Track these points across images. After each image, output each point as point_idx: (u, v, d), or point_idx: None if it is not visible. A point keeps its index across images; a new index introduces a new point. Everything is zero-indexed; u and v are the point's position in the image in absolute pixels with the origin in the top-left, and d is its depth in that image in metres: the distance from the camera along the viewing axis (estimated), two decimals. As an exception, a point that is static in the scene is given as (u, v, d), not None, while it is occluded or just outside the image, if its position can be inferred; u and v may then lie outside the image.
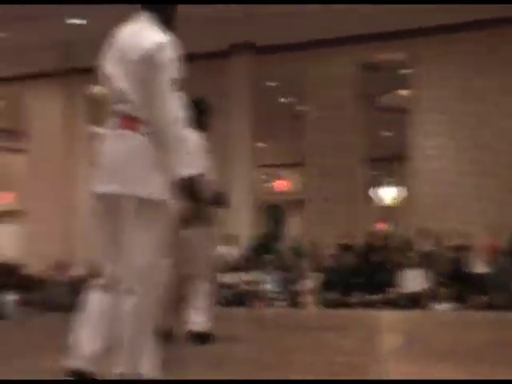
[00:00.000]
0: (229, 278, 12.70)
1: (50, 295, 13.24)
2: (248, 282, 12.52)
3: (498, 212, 14.34)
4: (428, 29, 15.03)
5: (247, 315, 9.83)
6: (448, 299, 10.81)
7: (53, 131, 19.07)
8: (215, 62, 16.60)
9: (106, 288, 3.21)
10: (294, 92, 17.69)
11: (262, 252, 13.82)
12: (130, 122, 3.15)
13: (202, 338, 5.39)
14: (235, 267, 13.26)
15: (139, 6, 3.33)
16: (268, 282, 12.36)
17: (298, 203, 17.54)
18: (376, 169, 25.80)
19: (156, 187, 3.14)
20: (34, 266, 16.52)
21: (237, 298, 12.11)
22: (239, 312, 10.31)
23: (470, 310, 9.78)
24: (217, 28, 15.12)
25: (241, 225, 16.04)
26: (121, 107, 3.17)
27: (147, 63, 3.11)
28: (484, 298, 10.17)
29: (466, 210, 14.56)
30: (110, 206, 3.17)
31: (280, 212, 18.47)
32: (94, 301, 3.22)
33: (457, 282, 11.03)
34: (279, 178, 24.57)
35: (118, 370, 3.05)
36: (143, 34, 3.19)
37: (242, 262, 13.36)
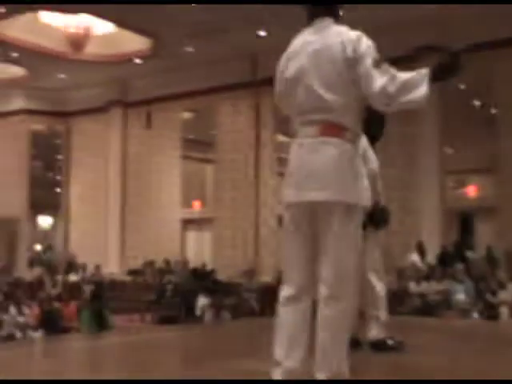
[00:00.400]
0: (419, 286, 12.46)
1: (241, 300, 13.74)
2: (438, 292, 12.20)
3: None
4: None
5: (437, 325, 9.53)
6: None
7: (240, 141, 19.81)
8: (401, 66, 16.37)
9: (296, 299, 3.22)
10: (487, 94, 16.97)
11: (453, 261, 13.40)
12: (334, 129, 3.14)
13: (377, 345, 5.28)
14: (426, 276, 12.98)
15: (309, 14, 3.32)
16: (460, 292, 11.96)
17: (489, 210, 16.76)
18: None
19: (363, 194, 3.19)
20: (223, 272, 17.27)
21: (427, 308, 11.84)
22: (429, 322, 10.03)
23: None
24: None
25: (431, 232, 15.67)
26: (321, 115, 3.15)
27: (355, 60, 3.09)
28: None
29: None
30: (312, 213, 3.16)
31: (470, 219, 17.77)
32: (287, 314, 3.23)
33: None
34: (469, 184, 23.68)
35: (322, 375, 3.08)
36: (335, 35, 3.17)
37: (432, 271, 13.04)
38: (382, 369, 4.66)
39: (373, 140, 5.47)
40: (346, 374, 3.11)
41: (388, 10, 13.95)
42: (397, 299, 12.51)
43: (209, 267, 16.78)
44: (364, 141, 5.46)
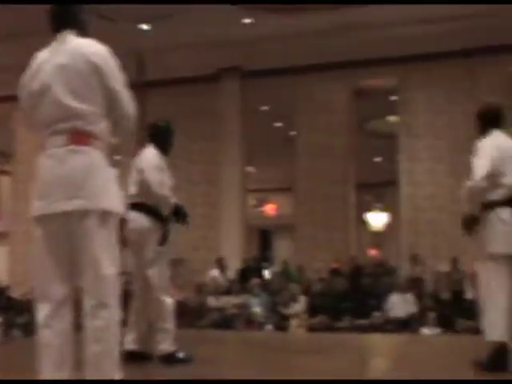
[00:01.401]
0: (218, 301, 12.78)
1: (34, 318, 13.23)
2: (236, 305, 12.59)
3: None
4: (415, 56, 15.32)
5: (233, 338, 9.87)
6: (435, 324, 10.93)
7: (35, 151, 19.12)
8: (205, 86, 16.83)
9: (56, 316, 3.18)
10: (286, 117, 17.88)
11: (251, 275, 13.92)
12: (83, 137, 3.14)
13: (167, 359, 5.41)
14: (225, 291, 13.35)
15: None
16: (256, 305, 12.44)
17: (287, 228, 17.64)
18: (367, 194, 26.02)
19: (114, 201, 3.20)
20: (18, 289, 16.53)
21: (225, 321, 12.17)
22: (226, 335, 10.35)
23: (456, 335, 9.89)
24: (205, 52, 15.36)
25: (231, 249, 16.15)
26: (69, 123, 3.15)
27: (98, 73, 3.19)
28: (471, 323, 10.29)
29: (456, 237, 14.61)
30: (67, 224, 3.13)
31: (269, 236, 18.57)
32: (50, 334, 3.17)
33: (445, 307, 11.16)
34: (269, 202, 24.70)
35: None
36: (81, 47, 3.25)
37: (231, 286, 13.45)
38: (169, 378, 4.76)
39: (163, 154, 5.70)
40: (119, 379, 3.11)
41: (189, 29, 14.17)
42: (196, 314, 12.77)
43: (4, 283, 15.97)
44: (160, 155, 5.66)
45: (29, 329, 12.29)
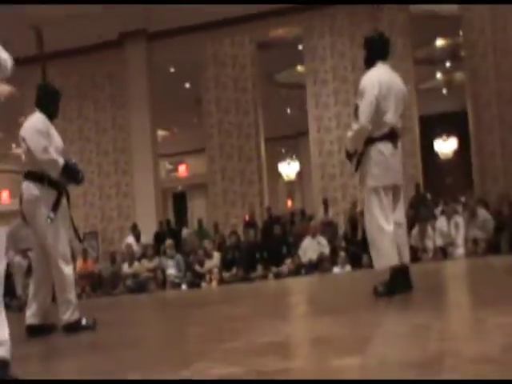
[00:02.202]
0: (131, 267, 12.65)
1: None
2: (150, 269, 12.49)
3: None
4: (317, 2, 15.30)
5: (147, 300, 9.79)
6: (346, 262, 11.13)
7: None
8: (109, 53, 16.42)
9: None
10: (194, 77, 17.57)
11: (166, 238, 13.80)
12: None
13: (71, 327, 5.26)
14: (140, 256, 13.21)
15: None
16: (171, 267, 12.36)
17: (200, 187, 17.56)
18: (279, 146, 26.16)
19: None
20: None
21: (140, 286, 12.07)
22: (140, 299, 10.26)
23: (363, 270, 10.07)
24: (106, 18, 14.94)
25: (146, 214, 15.97)
26: None
27: None
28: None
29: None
30: None
31: (183, 198, 18.46)
32: None
33: (353, 246, 11.36)
34: (182, 164, 24.52)
35: None
36: None
37: (145, 251, 13.30)
38: (77, 347, 4.65)
39: (50, 118, 5.52)
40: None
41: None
42: (111, 282, 12.61)
43: None
44: (45, 120, 5.45)
45: None
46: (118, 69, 16.48)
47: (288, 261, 11.63)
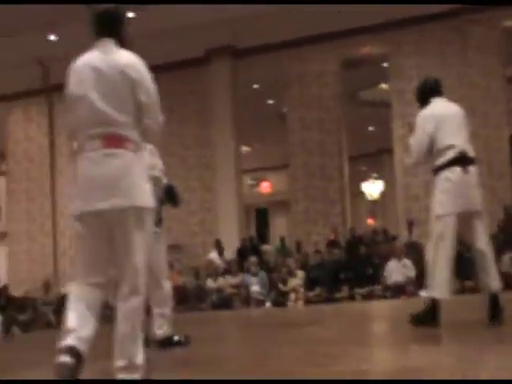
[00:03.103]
0: (216, 282, 12.75)
1: (37, 315, 13.25)
2: (234, 285, 12.56)
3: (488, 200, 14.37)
4: (404, 20, 15.15)
5: (232, 317, 9.85)
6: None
7: (32, 150, 19.11)
8: (194, 70, 16.74)
9: (92, 285, 3.43)
10: (277, 93, 17.75)
11: (249, 254, 13.87)
12: (116, 141, 3.42)
13: (164, 342, 5.37)
14: (223, 272, 13.32)
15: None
16: (254, 284, 12.38)
17: (282, 204, 17.60)
18: (362, 164, 25.96)
19: (147, 197, 3.48)
20: (19, 287, 16.56)
21: (224, 302, 12.15)
22: (225, 315, 10.33)
23: (457, 295, 9.80)
24: (192, 34, 15.22)
25: (229, 230, 16.12)
26: (103, 129, 3.41)
27: (131, 85, 3.42)
28: (469, 283, 10.22)
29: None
30: (104, 221, 3.40)
31: (266, 214, 18.54)
32: (84, 291, 3.44)
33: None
34: (265, 180, 24.64)
35: (120, 363, 3.30)
36: (119, 57, 3.47)
37: (229, 266, 13.40)
38: (171, 362, 4.72)
39: None
40: (141, 366, 3.33)
41: (178, 13, 14.12)
42: (196, 297, 12.75)
43: (3, 283, 15.96)
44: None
45: (28, 326, 12.32)
46: (203, 85, 16.73)
47: (378, 286, 11.49)
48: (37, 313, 13.27)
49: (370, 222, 26.55)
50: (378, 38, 15.85)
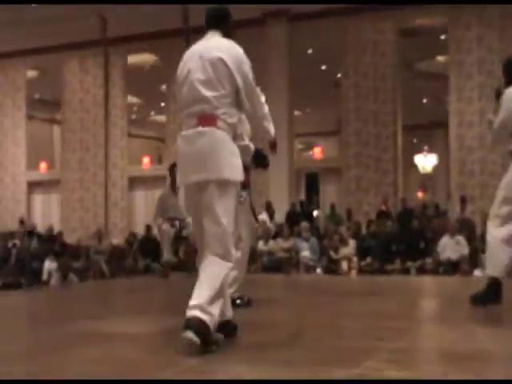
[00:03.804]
0: (267, 245, 12.84)
1: (90, 263, 13.55)
2: (286, 249, 12.65)
3: None
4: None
5: (285, 282, 9.94)
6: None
7: (88, 101, 19.35)
8: (250, 31, 16.61)
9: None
10: (332, 59, 17.61)
11: (300, 219, 13.90)
12: (208, 119, 3.72)
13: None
14: (274, 235, 13.38)
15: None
16: (305, 249, 12.45)
17: (333, 171, 17.55)
18: (415, 136, 25.64)
19: (235, 171, 3.75)
20: (72, 235, 16.94)
21: (275, 265, 12.25)
22: (277, 278, 10.43)
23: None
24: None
25: (279, 193, 16.19)
26: (198, 107, 3.74)
27: (229, 69, 3.73)
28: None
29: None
30: (198, 191, 3.73)
31: (316, 180, 18.50)
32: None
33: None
34: (317, 146, 24.56)
35: (194, 303, 3.48)
36: (221, 45, 3.85)
37: (280, 230, 13.47)
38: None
39: None
40: (215, 317, 3.50)
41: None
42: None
43: (57, 230, 16.34)
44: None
45: (84, 274, 12.62)
46: (257, 47, 16.62)
47: (429, 259, 11.45)
48: (89, 261, 13.58)
49: (420, 194, 26.31)
50: (437, 8, 15.52)
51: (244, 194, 5.50)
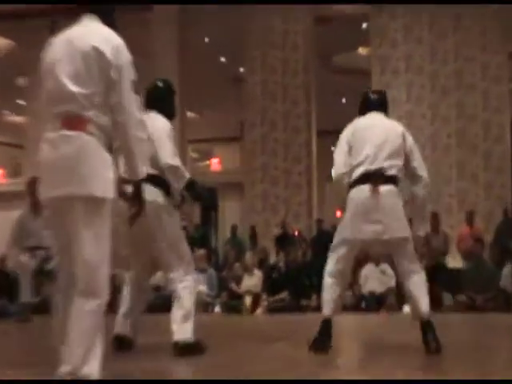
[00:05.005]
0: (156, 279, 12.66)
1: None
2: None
3: (486, 195, 14.71)
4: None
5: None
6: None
7: None
8: (133, 17, 16.51)
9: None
10: (234, 51, 17.55)
11: (195, 246, 13.80)
12: (74, 122, 3.65)
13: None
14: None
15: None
16: (201, 283, 12.35)
17: (237, 186, 17.58)
18: (334, 143, 25.98)
19: (106, 186, 3.66)
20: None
21: (163, 303, 12.06)
22: (165, 320, 10.25)
23: (445, 313, 9.96)
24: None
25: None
26: (63, 106, 3.66)
27: (104, 61, 3.67)
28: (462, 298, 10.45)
29: (440, 189, 14.69)
30: (61, 208, 3.67)
31: (215, 197, 18.51)
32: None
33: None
34: (214, 155, 24.59)
35: (66, 369, 3.47)
36: (95, 33, 3.77)
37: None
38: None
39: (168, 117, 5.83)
40: (93, 370, 3.49)
41: None
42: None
43: None
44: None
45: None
46: (139, 32, 16.50)
47: (349, 292, 11.60)
48: None
49: (339, 214, 26.66)
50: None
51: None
